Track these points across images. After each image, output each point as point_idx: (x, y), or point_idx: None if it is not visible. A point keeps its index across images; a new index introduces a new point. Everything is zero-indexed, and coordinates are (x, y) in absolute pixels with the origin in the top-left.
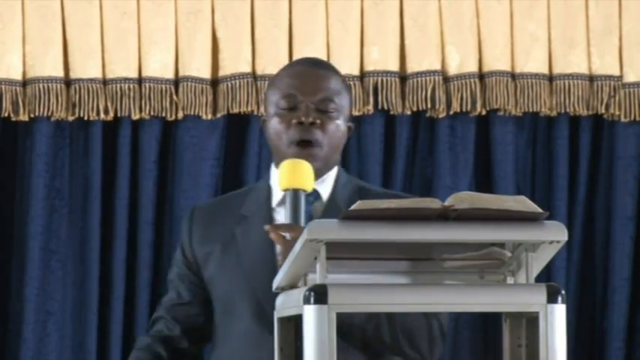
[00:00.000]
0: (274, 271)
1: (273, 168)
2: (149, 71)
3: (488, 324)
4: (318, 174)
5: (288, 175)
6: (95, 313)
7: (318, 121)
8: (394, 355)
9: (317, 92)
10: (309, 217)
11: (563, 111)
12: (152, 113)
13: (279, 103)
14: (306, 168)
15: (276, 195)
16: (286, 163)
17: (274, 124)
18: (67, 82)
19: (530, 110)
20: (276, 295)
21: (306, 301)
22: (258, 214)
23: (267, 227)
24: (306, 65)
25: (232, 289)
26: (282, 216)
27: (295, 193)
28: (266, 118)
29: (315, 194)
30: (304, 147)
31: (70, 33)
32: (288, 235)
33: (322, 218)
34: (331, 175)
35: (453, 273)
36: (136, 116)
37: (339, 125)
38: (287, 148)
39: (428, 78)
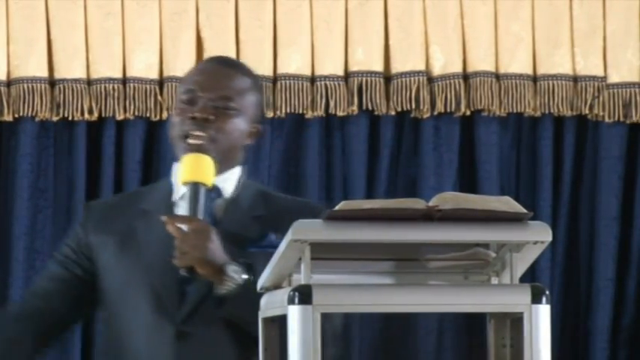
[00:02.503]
0: (173, 265)
1: (175, 164)
2: (133, 71)
3: (472, 324)
4: (218, 170)
5: (189, 169)
6: None
7: (212, 118)
8: None
9: (216, 90)
10: (211, 214)
11: (547, 111)
12: (136, 113)
13: (181, 97)
14: (207, 163)
15: (178, 190)
16: (187, 157)
17: (173, 117)
18: (52, 82)
19: (515, 111)
20: (175, 288)
21: (291, 301)
22: (159, 209)
23: (164, 218)
24: (213, 63)
25: (129, 282)
26: (183, 209)
27: (195, 187)
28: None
29: (217, 192)
30: (194, 140)
31: (54, 33)
32: (185, 227)
33: (224, 216)
34: (234, 174)
35: (437, 273)
36: (120, 116)
37: (238, 124)
38: (179, 142)
39: (412, 78)
